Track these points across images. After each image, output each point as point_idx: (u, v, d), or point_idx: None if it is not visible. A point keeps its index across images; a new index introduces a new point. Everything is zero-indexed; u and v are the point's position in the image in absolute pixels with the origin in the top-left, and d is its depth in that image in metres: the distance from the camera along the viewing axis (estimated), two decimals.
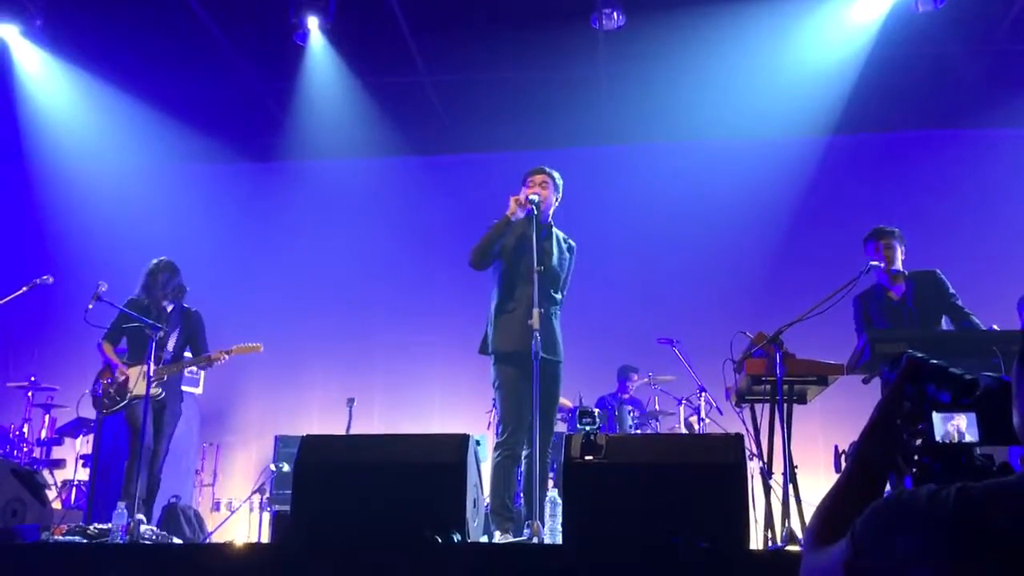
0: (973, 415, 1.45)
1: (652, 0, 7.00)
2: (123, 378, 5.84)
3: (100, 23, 7.46)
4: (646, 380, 7.86)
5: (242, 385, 6.15)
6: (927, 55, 7.77)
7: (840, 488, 1.46)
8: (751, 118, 8.31)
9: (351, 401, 7.43)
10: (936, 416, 1.46)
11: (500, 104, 8.61)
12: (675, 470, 3.41)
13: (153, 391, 5.65)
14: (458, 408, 8.44)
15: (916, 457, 1.47)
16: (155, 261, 6.13)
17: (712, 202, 8.74)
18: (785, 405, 4.42)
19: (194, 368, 6.42)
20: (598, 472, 3.41)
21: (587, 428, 3.55)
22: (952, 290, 5.27)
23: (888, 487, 1.47)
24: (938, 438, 1.45)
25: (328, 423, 8.03)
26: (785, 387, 4.42)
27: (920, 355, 1.49)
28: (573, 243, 5.15)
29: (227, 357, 5.98)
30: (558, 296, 4.97)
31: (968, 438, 1.45)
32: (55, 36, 7.39)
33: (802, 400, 4.78)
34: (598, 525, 3.37)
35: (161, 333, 5.63)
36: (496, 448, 4.77)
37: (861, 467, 1.46)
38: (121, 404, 5.82)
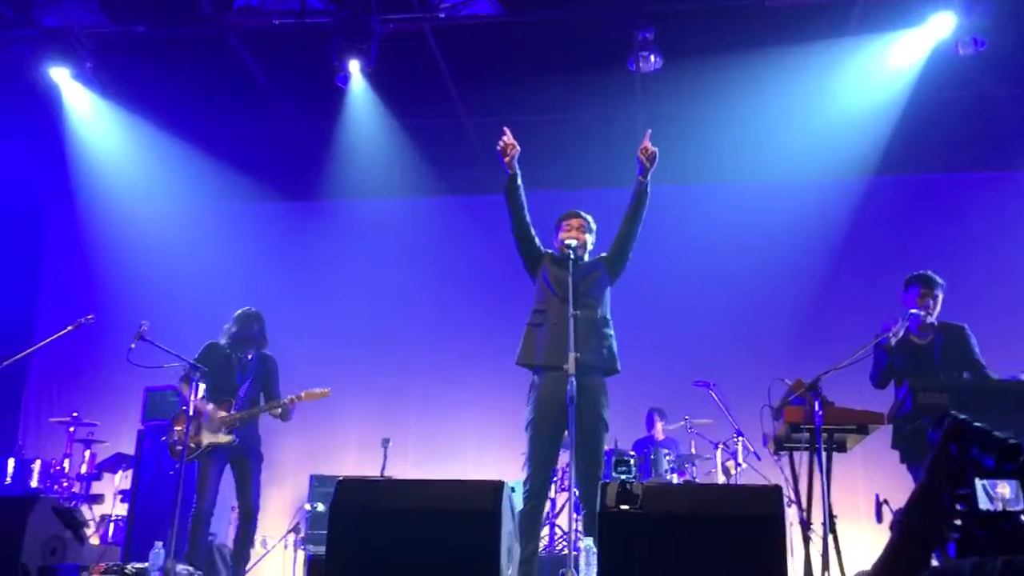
0: (1017, 482, 1.42)
1: (689, 43, 7.03)
2: (198, 414, 5.73)
3: (148, 66, 7.66)
4: (682, 424, 7.77)
5: (278, 423, 6.20)
6: (968, 97, 7.71)
7: (887, 557, 1.43)
8: (788, 160, 8.27)
9: (386, 441, 7.42)
10: (980, 483, 1.43)
11: (538, 145, 8.58)
12: (713, 521, 3.37)
13: (224, 439, 5.84)
14: (493, 451, 8.41)
15: (959, 523, 1.44)
16: (246, 310, 6.20)
17: (749, 245, 8.68)
18: (824, 453, 4.36)
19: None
20: (634, 522, 3.38)
21: (623, 477, 3.53)
22: (976, 347, 5.19)
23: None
24: (982, 506, 1.42)
25: (363, 463, 8.04)
26: (824, 435, 4.35)
27: (963, 416, 1.47)
28: (602, 254, 5.10)
29: (297, 402, 6.01)
30: (598, 307, 4.91)
31: (1013, 506, 1.42)
32: (104, 79, 7.58)
33: (842, 448, 4.71)
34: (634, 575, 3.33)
35: (201, 375, 5.64)
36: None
37: (907, 536, 1.43)
38: (196, 452, 5.80)
